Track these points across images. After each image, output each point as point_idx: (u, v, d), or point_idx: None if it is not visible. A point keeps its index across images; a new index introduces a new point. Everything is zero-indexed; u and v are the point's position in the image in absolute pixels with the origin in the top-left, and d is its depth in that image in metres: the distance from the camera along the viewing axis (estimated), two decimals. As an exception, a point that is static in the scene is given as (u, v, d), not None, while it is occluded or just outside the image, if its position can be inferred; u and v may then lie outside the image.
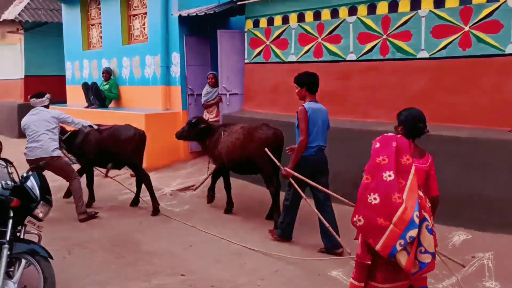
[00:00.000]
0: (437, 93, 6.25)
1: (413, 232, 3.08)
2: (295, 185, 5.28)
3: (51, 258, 3.90)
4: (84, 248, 5.53)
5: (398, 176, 3.14)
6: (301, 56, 7.89)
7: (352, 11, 7.12)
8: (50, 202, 4.15)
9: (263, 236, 5.83)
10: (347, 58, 7.24)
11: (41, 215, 4.04)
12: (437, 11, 6.19)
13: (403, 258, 3.09)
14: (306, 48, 7.82)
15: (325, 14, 7.49)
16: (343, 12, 7.24)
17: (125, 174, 8.60)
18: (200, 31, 9.77)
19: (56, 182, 6.95)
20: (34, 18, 14.22)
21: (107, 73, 11.00)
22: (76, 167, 7.33)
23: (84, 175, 7.34)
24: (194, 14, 8.86)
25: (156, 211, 6.85)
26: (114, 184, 8.03)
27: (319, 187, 5.10)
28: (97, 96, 10.81)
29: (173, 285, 4.55)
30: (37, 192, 4.00)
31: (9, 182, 4.05)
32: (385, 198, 3.10)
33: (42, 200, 4.02)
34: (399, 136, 3.32)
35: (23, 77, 14.82)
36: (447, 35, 6.12)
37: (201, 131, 7.02)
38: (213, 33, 9.36)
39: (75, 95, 12.44)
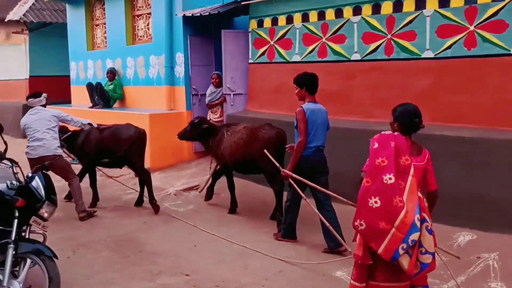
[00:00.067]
0: (441, 93, 6.23)
1: (415, 236, 3.10)
2: (295, 185, 5.30)
3: (56, 257, 3.91)
4: (88, 248, 5.54)
5: (397, 177, 3.13)
6: (305, 56, 7.89)
7: (357, 11, 7.11)
8: (55, 202, 4.16)
9: (267, 236, 5.83)
10: (352, 58, 7.23)
11: (46, 215, 4.05)
12: (442, 11, 6.17)
13: (405, 262, 3.11)
14: (310, 48, 7.81)
15: (330, 14, 7.48)
16: (347, 12, 7.23)
17: (129, 174, 8.61)
18: (204, 31, 9.78)
19: (60, 182, 6.95)
20: (38, 19, 14.27)
21: (112, 73, 11.02)
22: (77, 168, 7.35)
23: (87, 175, 7.36)
24: (198, 14, 8.86)
25: (155, 207, 6.90)
26: (118, 184, 8.04)
27: (318, 187, 5.09)
28: (101, 96, 10.83)
29: (177, 285, 4.55)
30: (42, 192, 4.01)
31: (14, 182, 4.06)
32: (386, 201, 3.10)
33: (47, 200, 4.03)
34: (396, 134, 3.30)
35: (27, 77, 14.89)
36: (452, 35, 6.10)
37: (203, 131, 7.02)
38: (217, 33, 9.37)
39: (79, 95, 12.48)
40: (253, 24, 8.80)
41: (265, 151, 5.83)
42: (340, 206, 5.20)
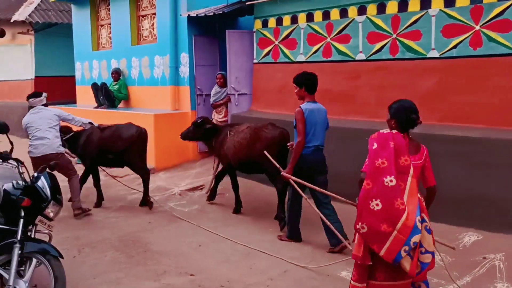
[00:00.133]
0: (447, 93, 6.21)
1: (416, 238, 3.11)
2: (295, 185, 5.32)
3: (62, 257, 3.92)
4: (93, 247, 5.56)
5: (397, 178, 3.13)
6: (310, 56, 7.88)
7: (362, 10, 7.10)
8: (60, 202, 4.17)
9: (272, 236, 5.83)
10: (356, 58, 7.22)
11: (51, 214, 4.07)
12: (447, 10, 6.15)
13: (407, 263, 3.12)
14: (315, 48, 7.80)
15: (334, 13, 7.47)
16: (352, 11, 7.22)
17: (133, 175, 8.62)
18: (209, 31, 9.79)
19: (65, 182, 6.97)
20: (44, 19, 14.33)
21: (117, 74, 11.05)
22: (80, 167, 7.37)
23: (89, 175, 7.39)
24: (203, 14, 8.87)
25: (148, 204, 7.05)
26: (122, 184, 8.05)
27: (317, 188, 5.14)
28: (106, 96, 10.86)
29: (182, 285, 4.55)
30: (48, 192, 4.02)
31: (20, 182, 4.07)
32: (387, 204, 3.10)
33: (52, 199, 4.04)
34: (394, 132, 3.29)
35: (33, 77, 14.95)
36: (457, 35, 6.08)
37: (206, 132, 7.03)
38: (222, 33, 9.38)
39: (84, 96, 12.51)
40: (258, 24, 8.79)
41: (265, 152, 5.86)
42: (341, 205, 5.19)
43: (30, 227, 4.05)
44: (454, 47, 6.12)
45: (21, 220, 3.87)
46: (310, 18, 7.86)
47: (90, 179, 7.39)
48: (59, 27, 14.63)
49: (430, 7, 6.32)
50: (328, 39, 7.58)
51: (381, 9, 6.85)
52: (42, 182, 4.05)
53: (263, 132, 6.34)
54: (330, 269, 4.77)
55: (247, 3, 8.68)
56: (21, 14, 14.34)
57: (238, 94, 9.20)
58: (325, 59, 7.64)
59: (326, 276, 4.68)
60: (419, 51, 6.47)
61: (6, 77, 16.38)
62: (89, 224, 6.46)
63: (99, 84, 11.21)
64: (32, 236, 4.04)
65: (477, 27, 5.89)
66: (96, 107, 11.07)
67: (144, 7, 10.88)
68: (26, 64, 15.26)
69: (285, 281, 4.61)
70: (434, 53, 6.32)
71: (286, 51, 8.29)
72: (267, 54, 8.66)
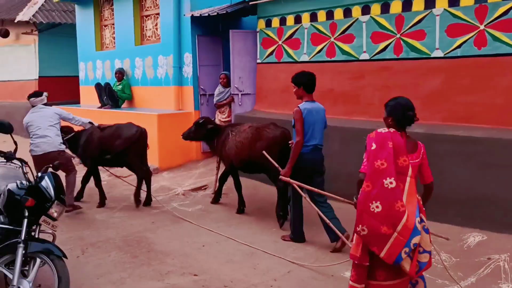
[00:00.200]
0: (452, 92, 6.19)
1: (416, 239, 3.13)
2: (294, 184, 5.37)
3: (66, 257, 3.93)
4: (97, 247, 5.56)
5: (397, 179, 3.13)
6: (314, 56, 7.86)
7: (365, 10, 7.08)
8: (64, 202, 4.18)
9: (276, 236, 5.82)
10: (360, 58, 7.20)
11: (55, 214, 4.07)
12: (451, 10, 6.13)
13: (407, 265, 3.15)
14: (318, 47, 7.78)
15: (338, 13, 7.46)
16: (356, 11, 7.20)
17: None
18: (212, 31, 9.79)
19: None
20: (48, 20, 14.36)
21: (120, 74, 11.06)
22: (80, 169, 7.39)
23: (91, 175, 7.42)
24: (207, 14, 8.87)
25: (137, 202, 7.12)
26: (126, 183, 8.06)
27: (314, 189, 5.22)
28: (110, 96, 10.88)
29: (186, 285, 4.55)
30: (52, 192, 4.03)
31: (24, 182, 4.08)
32: (387, 206, 3.11)
33: (56, 199, 4.04)
34: (392, 131, 3.28)
35: (37, 77, 14.99)
36: (462, 34, 6.05)
37: (208, 132, 7.03)
38: (225, 33, 9.38)
39: (88, 96, 12.54)
40: (261, 24, 8.79)
41: (264, 152, 5.89)
42: (341, 204, 5.21)
43: (34, 227, 4.06)
44: (459, 46, 6.09)
45: (25, 220, 3.88)
46: (313, 18, 7.85)
47: (91, 181, 7.42)
48: (63, 27, 14.67)
49: (434, 7, 6.29)
50: (332, 39, 7.57)
51: (385, 8, 6.83)
52: (46, 182, 4.06)
53: (264, 131, 6.34)
54: (333, 270, 4.76)
55: (250, 3, 8.67)
56: (25, 15, 14.38)
57: (242, 94, 9.20)
58: (328, 59, 7.63)
59: (330, 276, 4.67)
60: (423, 51, 6.45)
61: (10, 77, 16.43)
62: (93, 224, 6.47)
63: (102, 84, 11.22)
64: (36, 236, 4.05)
65: (482, 27, 5.86)
66: (99, 107, 11.09)
67: (148, 7, 10.89)
68: (30, 64, 15.31)
69: (289, 282, 4.61)
70: (439, 53, 6.30)
71: (290, 51, 8.28)
72: (271, 54, 8.65)
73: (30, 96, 6.69)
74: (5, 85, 16.74)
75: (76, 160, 7.47)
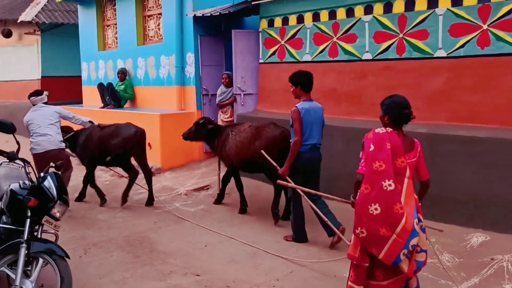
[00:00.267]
0: (455, 92, 6.17)
1: (415, 240, 3.16)
2: (292, 183, 5.40)
3: (68, 257, 3.92)
4: (100, 247, 5.56)
5: (395, 180, 3.13)
6: (316, 55, 7.85)
7: (368, 10, 7.06)
8: (67, 201, 4.17)
9: (278, 237, 5.81)
10: (363, 58, 7.19)
11: (58, 214, 4.07)
12: (454, 9, 6.11)
13: (405, 265, 3.18)
14: (321, 47, 7.77)
15: (341, 13, 7.44)
16: (358, 11, 7.19)
17: (140, 174, 8.62)
18: (214, 31, 9.79)
19: (72, 182, 7.01)
20: (50, 20, 14.38)
21: (122, 74, 11.07)
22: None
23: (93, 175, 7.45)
24: (209, 14, 8.87)
25: (123, 201, 7.15)
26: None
27: (312, 191, 5.27)
28: (112, 96, 10.88)
29: (188, 285, 4.55)
30: (54, 192, 4.02)
31: (27, 182, 4.08)
32: (386, 208, 3.12)
33: (59, 199, 4.04)
34: (390, 131, 3.28)
35: (40, 77, 15.02)
36: (465, 34, 6.03)
37: (209, 132, 7.02)
38: (228, 33, 9.37)
39: (90, 96, 12.55)
40: (264, 23, 8.78)
41: (262, 151, 5.91)
42: (340, 204, 5.21)
43: (36, 227, 4.06)
44: (462, 46, 6.08)
45: (28, 220, 3.88)
46: (316, 17, 7.84)
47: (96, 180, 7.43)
48: (65, 28, 14.69)
49: (437, 6, 6.28)
50: (335, 39, 7.55)
51: (388, 8, 6.81)
52: (49, 182, 4.06)
53: (264, 131, 6.36)
54: (336, 270, 4.75)
55: (253, 2, 8.66)
56: (27, 15, 14.41)
57: (244, 94, 9.19)
58: (331, 59, 7.62)
59: (333, 276, 4.66)
60: (426, 50, 6.43)
61: (13, 77, 16.45)
62: (95, 224, 6.47)
63: (105, 84, 11.23)
64: (39, 236, 4.04)
65: (485, 26, 5.84)
66: (102, 107, 11.10)
67: (150, 7, 10.89)
68: (33, 65, 15.33)
69: (291, 282, 4.60)
70: (442, 53, 6.28)
71: (292, 51, 8.27)
72: (273, 54, 8.64)
73: (30, 95, 6.72)
74: (8, 85, 16.77)
75: (75, 161, 7.49)
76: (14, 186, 4.03)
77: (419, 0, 6.45)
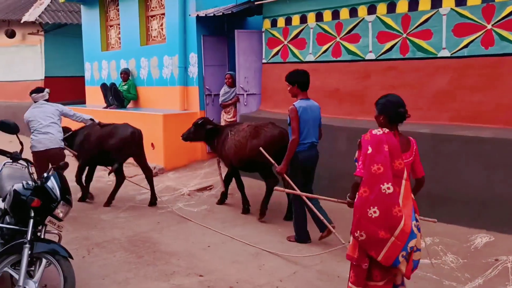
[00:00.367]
0: (459, 92, 6.14)
1: (413, 242, 3.19)
2: (291, 182, 5.41)
3: (71, 257, 3.92)
4: (103, 247, 5.56)
5: (393, 183, 3.14)
6: (319, 55, 7.84)
7: (371, 9, 7.04)
8: (70, 202, 4.17)
9: (281, 237, 5.80)
10: (366, 58, 7.17)
11: (61, 215, 4.07)
12: (458, 9, 6.09)
13: (404, 267, 3.20)
14: (324, 47, 7.76)
15: (344, 13, 7.43)
16: (362, 11, 7.17)
17: (142, 175, 8.63)
18: (217, 31, 9.78)
19: (72, 183, 7.01)
20: (54, 20, 14.41)
21: (126, 74, 11.08)
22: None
23: (93, 173, 7.47)
24: (212, 14, 8.87)
25: (108, 203, 7.23)
26: (131, 184, 8.07)
27: (310, 195, 5.32)
28: (115, 96, 10.90)
29: (191, 285, 4.54)
30: (58, 192, 4.02)
31: (30, 182, 4.09)
32: (385, 211, 3.14)
33: (62, 200, 4.04)
34: (387, 132, 3.27)
35: (43, 78, 15.05)
36: (469, 34, 6.01)
37: (208, 132, 7.02)
38: (231, 33, 9.37)
39: (94, 96, 12.57)
40: (267, 23, 8.77)
41: (261, 148, 5.96)
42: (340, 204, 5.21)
43: (40, 228, 4.06)
44: (466, 46, 6.05)
45: (31, 221, 3.88)
46: (319, 17, 7.82)
47: (95, 178, 7.43)
48: (68, 28, 14.72)
49: (441, 6, 6.25)
50: (338, 39, 7.54)
51: (391, 8, 6.79)
52: (52, 183, 4.06)
53: (262, 130, 6.37)
54: (339, 271, 4.73)
55: (256, 2, 8.66)
56: (31, 15, 14.44)
57: (247, 94, 9.18)
58: (334, 59, 7.60)
59: (336, 277, 4.65)
60: (429, 50, 6.41)
61: (16, 78, 16.49)
62: (98, 224, 6.47)
63: (108, 84, 11.25)
64: (42, 236, 4.05)
65: (489, 26, 5.82)
66: (105, 107, 11.11)
67: (153, 8, 10.90)
68: (36, 65, 15.36)
69: (294, 282, 4.59)
70: (445, 53, 6.26)
71: (295, 51, 8.25)
72: (276, 54, 8.63)
73: (32, 92, 6.72)
74: (11, 85, 16.80)
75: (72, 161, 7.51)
76: (18, 186, 4.03)
77: (423, 0, 6.43)
